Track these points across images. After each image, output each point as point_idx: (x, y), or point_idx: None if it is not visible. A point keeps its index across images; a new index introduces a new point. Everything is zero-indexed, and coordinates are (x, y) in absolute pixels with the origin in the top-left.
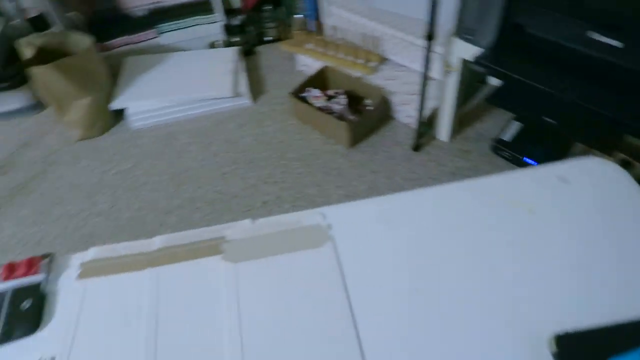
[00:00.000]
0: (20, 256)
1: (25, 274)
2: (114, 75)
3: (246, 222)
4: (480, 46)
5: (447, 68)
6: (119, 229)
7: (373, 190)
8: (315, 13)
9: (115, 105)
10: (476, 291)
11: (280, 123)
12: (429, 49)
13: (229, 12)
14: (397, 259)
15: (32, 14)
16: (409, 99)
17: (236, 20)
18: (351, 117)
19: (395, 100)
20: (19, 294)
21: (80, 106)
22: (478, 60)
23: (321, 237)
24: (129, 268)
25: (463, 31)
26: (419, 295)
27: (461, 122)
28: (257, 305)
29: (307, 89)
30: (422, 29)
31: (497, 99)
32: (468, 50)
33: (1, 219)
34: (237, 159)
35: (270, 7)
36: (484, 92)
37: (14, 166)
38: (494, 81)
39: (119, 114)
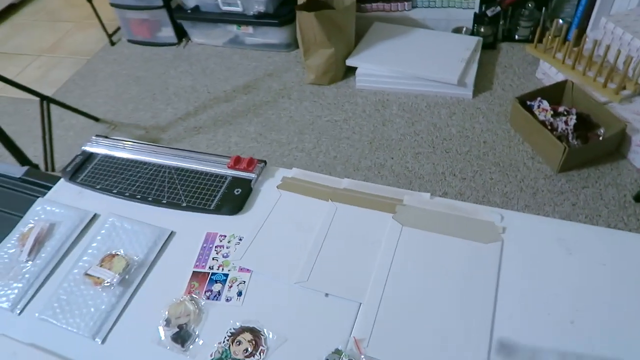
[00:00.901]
0: None
1: (245, 169)
2: (358, 36)
3: (425, 195)
4: None
5: None
6: (311, 168)
7: None
8: (580, 22)
9: (350, 62)
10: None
11: (492, 124)
12: None
13: (487, 1)
14: (563, 285)
15: None
16: None
17: (490, 12)
18: (574, 141)
19: (636, 139)
20: (235, 182)
21: (323, 55)
22: None
23: (492, 235)
24: (316, 194)
25: None
26: (571, 327)
27: None
28: (407, 268)
29: (537, 98)
30: None
31: None
32: None
33: (233, 128)
34: (435, 144)
35: (532, 6)
36: None
37: (256, 89)
38: None
39: (350, 71)
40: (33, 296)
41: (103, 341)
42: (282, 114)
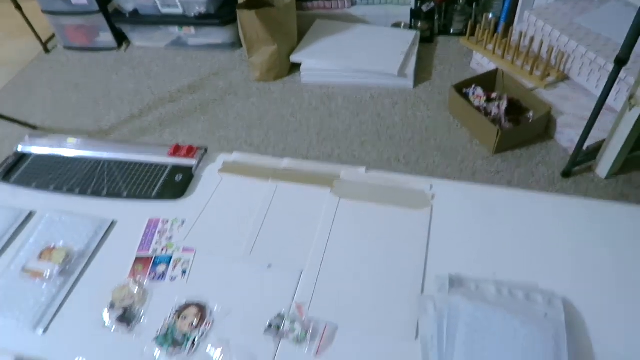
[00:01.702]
0: None
1: (185, 156)
2: (301, 33)
3: (361, 170)
4: None
5: (631, 102)
6: None
7: None
8: (507, 16)
9: (294, 58)
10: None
11: (433, 112)
12: (616, 75)
13: None
14: (485, 243)
15: None
16: (576, 124)
17: (425, 7)
18: (506, 124)
19: (560, 121)
20: (176, 169)
21: (266, 52)
22: None
23: (422, 202)
24: (256, 175)
25: None
26: (493, 278)
27: (631, 165)
28: (345, 237)
29: (472, 85)
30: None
31: None
32: None
33: (180, 127)
34: (380, 133)
35: (464, 2)
36: None
37: (202, 89)
38: None
39: (295, 67)
40: None
41: (45, 331)
42: (230, 111)
